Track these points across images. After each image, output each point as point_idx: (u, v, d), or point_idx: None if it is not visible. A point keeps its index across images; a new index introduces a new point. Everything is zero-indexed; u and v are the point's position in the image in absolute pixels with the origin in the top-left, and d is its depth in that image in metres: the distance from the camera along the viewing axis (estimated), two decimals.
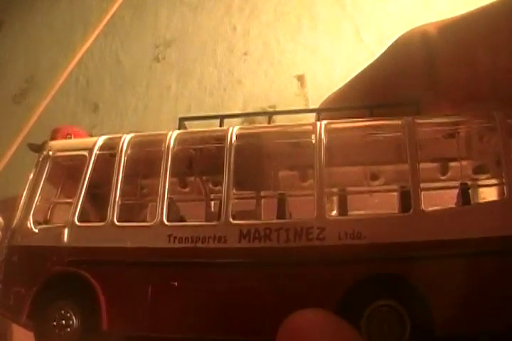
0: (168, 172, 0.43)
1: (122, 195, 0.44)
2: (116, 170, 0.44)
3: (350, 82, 0.46)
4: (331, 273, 0.38)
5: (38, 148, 0.47)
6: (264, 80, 1.05)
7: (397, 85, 0.44)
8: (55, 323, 0.42)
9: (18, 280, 0.44)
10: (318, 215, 0.39)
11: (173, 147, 0.44)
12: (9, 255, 0.44)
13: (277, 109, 0.98)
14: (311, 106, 0.97)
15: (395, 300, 0.37)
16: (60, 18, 1.40)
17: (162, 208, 0.42)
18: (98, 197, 0.47)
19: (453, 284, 0.36)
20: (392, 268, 0.37)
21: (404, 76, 0.44)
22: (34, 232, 0.45)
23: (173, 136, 0.44)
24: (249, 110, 1.02)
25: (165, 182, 0.43)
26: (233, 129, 0.43)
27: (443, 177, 0.45)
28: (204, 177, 0.48)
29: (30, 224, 0.45)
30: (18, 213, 0.46)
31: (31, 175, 0.47)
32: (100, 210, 0.46)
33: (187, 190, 0.48)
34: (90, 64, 1.30)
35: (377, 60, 0.45)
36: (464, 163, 0.43)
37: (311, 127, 0.42)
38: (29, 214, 0.45)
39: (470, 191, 0.40)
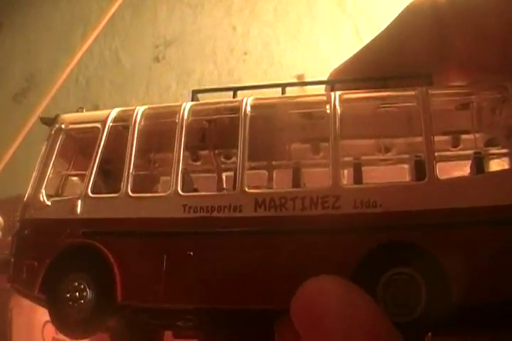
0: (182, 143, 0.43)
1: (135, 167, 0.43)
2: (130, 142, 0.44)
3: (359, 52, 0.45)
4: (346, 241, 0.38)
5: (50, 122, 0.47)
6: (264, 80, 1.05)
7: (406, 55, 0.43)
8: (68, 295, 0.42)
9: (31, 254, 0.43)
10: (334, 184, 0.39)
11: (187, 118, 0.44)
12: (21, 228, 0.44)
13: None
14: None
15: (411, 268, 0.37)
16: (60, 18, 1.40)
17: (176, 178, 0.42)
18: (110, 170, 0.47)
19: (468, 252, 0.36)
20: (407, 236, 0.37)
21: (413, 45, 0.43)
22: (47, 205, 0.44)
23: (187, 107, 0.44)
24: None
25: (179, 153, 0.43)
26: (247, 100, 0.44)
27: (454, 150, 0.45)
28: (216, 151, 0.48)
29: (42, 197, 0.44)
30: (30, 187, 0.45)
31: (43, 148, 0.46)
32: (111, 184, 0.45)
33: (199, 163, 0.48)
34: (90, 64, 1.30)
35: (385, 30, 0.44)
36: (476, 135, 0.43)
37: (325, 97, 0.42)
38: (41, 188, 0.45)
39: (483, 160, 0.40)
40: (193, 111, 0.44)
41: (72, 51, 1.27)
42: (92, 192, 0.43)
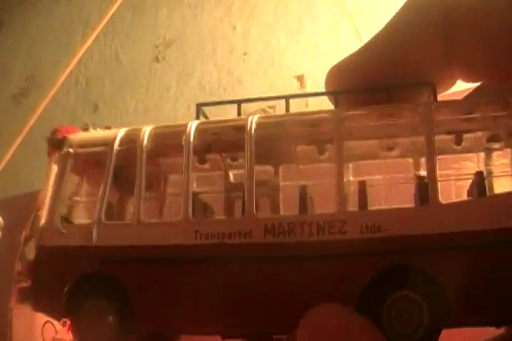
0: (190, 166, 0.43)
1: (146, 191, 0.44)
2: (138, 167, 0.43)
3: (359, 49, 0.44)
4: (353, 266, 0.38)
5: (58, 144, 0.47)
6: (264, 80, 1.05)
7: (409, 53, 0.41)
8: (90, 321, 0.42)
9: (50, 281, 0.43)
10: (340, 209, 0.39)
11: (194, 139, 0.43)
12: (39, 255, 0.44)
13: (277, 108, 0.98)
14: (310, 105, 0.97)
15: (414, 291, 0.37)
16: (60, 18, 1.40)
17: (187, 203, 0.42)
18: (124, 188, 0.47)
19: (468, 274, 0.37)
20: (409, 259, 0.38)
21: (417, 43, 0.41)
22: (61, 232, 0.44)
23: (193, 126, 0.44)
24: (249, 110, 1.02)
25: (188, 176, 0.42)
26: (253, 118, 0.43)
27: (458, 147, 0.45)
28: (223, 154, 0.48)
29: (56, 223, 0.44)
30: (45, 212, 0.45)
31: (54, 172, 0.46)
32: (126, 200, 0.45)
33: (206, 166, 0.48)
34: (90, 64, 1.30)
35: (386, 26, 0.43)
36: (479, 134, 0.43)
37: (328, 115, 0.42)
38: (55, 213, 0.45)
39: (485, 181, 0.41)
40: (199, 131, 0.44)
41: (72, 51, 1.27)
42: (106, 219, 0.43)
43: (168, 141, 0.44)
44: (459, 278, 0.37)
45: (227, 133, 0.44)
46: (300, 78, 1.02)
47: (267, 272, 0.39)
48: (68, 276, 0.43)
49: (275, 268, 0.39)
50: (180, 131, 0.43)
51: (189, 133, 0.43)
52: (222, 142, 0.44)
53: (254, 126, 0.42)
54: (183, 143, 0.43)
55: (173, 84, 1.16)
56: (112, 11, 1.24)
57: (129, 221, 0.43)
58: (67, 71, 1.21)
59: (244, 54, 1.10)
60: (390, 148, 0.45)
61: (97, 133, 0.46)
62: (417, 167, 0.45)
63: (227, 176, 0.47)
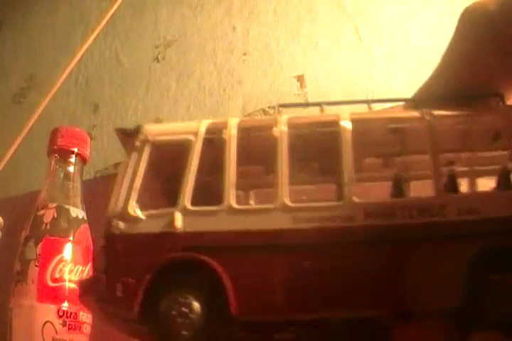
0: (284, 154, 0.43)
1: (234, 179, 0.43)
2: (228, 154, 0.43)
3: (434, 72, 0.46)
4: (452, 248, 0.40)
5: (131, 133, 0.46)
6: (264, 81, 1.05)
7: (473, 67, 0.43)
8: (174, 312, 0.41)
9: (126, 270, 0.42)
10: (438, 193, 0.41)
11: (287, 131, 0.44)
12: (110, 244, 0.43)
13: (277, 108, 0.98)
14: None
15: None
16: (60, 18, 1.40)
17: (283, 189, 0.42)
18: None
19: None
20: (505, 240, 0.39)
21: (476, 59, 0.43)
22: (140, 219, 0.43)
23: (284, 120, 0.45)
24: (249, 110, 1.02)
25: (282, 162, 0.43)
26: (345, 115, 0.45)
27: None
28: (316, 164, 0.49)
29: (134, 210, 0.43)
30: (115, 200, 0.44)
31: (130, 161, 0.45)
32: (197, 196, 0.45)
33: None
34: (90, 64, 1.30)
35: (448, 45, 0.45)
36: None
37: (418, 114, 0.44)
38: (132, 201, 0.43)
39: None
40: (290, 125, 0.45)
41: (72, 51, 1.27)
42: (188, 205, 0.43)
43: (257, 132, 0.45)
44: None
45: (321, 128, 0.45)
46: (300, 78, 1.02)
47: (368, 255, 0.40)
48: (148, 265, 0.41)
49: (377, 250, 0.40)
50: (270, 123, 0.44)
51: (281, 127, 0.44)
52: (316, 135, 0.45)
53: (349, 123, 0.43)
54: (277, 134, 0.43)
55: (173, 84, 1.16)
56: (112, 11, 1.24)
57: (218, 207, 0.42)
58: (67, 71, 1.21)
59: (244, 54, 1.10)
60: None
61: (174, 124, 0.46)
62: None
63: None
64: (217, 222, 0.42)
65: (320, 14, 1.06)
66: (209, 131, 0.45)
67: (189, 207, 0.42)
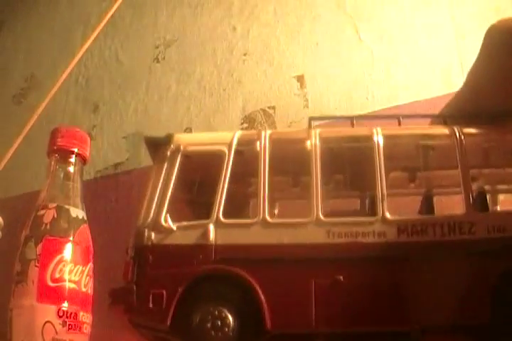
0: (318, 168, 0.44)
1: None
2: (261, 166, 0.44)
3: (461, 88, 0.47)
4: (482, 264, 0.41)
5: (162, 141, 0.45)
6: (264, 81, 1.05)
7: (499, 85, 0.43)
8: (209, 325, 0.41)
9: (157, 282, 0.42)
10: (467, 211, 0.42)
11: (320, 145, 0.45)
12: (141, 255, 0.43)
13: (277, 109, 0.98)
14: (311, 105, 0.97)
15: None
16: (60, 18, 1.40)
17: (317, 203, 0.43)
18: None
19: None
20: None
21: (502, 72, 0.43)
22: (172, 230, 0.43)
23: (317, 134, 0.45)
24: (249, 110, 1.02)
25: (316, 177, 0.44)
26: (378, 130, 0.46)
27: None
28: (346, 178, 0.49)
29: (166, 221, 0.43)
30: (146, 210, 0.44)
31: (162, 170, 0.45)
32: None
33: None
34: (90, 64, 1.30)
35: (475, 62, 0.45)
36: None
37: (448, 131, 0.45)
38: (163, 212, 0.44)
39: None
40: (322, 139, 0.45)
41: (72, 51, 1.27)
42: (224, 217, 0.43)
43: (289, 144, 0.44)
44: None
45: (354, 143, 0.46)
46: (299, 78, 1.02)
47: (401, 270, 0.41)
48: (180, 277, 0.41)
49: (409, 266, 0.41)
50: (302, 137, 0.45)
51: (315, 140, 0.44)
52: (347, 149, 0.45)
53: (382, 138, 0.44)
54: (309, 147, 0.44)
55: (173, 84, 1.16)
56: (112, 11, 1.24)
57: (252, 220, 0.42)
58: (67, 71, 1.21)
59: (244, 54, 1.10)
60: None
61: (205, 134, 0.46)
62: None
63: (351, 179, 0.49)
64: (250, 234, 0.42)
65: (320, 14, 1.06)
66: (241, 142, 0.45)
67: (222, 219, 0.42)
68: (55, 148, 0.66)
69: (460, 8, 0.94)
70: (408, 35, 0.97)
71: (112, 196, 1.05)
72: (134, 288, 0.42)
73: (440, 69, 0.90)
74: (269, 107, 1.00)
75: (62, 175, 0.65)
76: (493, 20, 0.46)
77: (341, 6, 1.04)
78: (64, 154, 0.65)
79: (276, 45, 1.07)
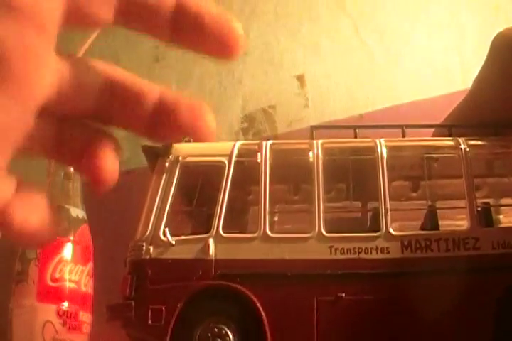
0: (320, 182, 0.43)
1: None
2: (262, 179, 0.43)
3: (465, 98, 0.46)
4: (486, 280, 0.40)
5: (160, 151, 0.44)
6: (264, 80, 1.05)
7: (505, 93, 0.43)
8: None
9: (156, 297, 0.41)
10: (472, 226, 0.41)
11: (322, 157, 0.44)
12: (140, 269, 0.41)
13: (277, 108, 0.98)
14: (311, 105, 0.97)
15: None
16: None
17: (319, 218, 0.42)
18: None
19: None
20: None
21: (508, 81, 0.42)
22: (170, 244, 0.42)
23: (319, 145, 0.44)
24: (249, 109, 1.02)
25: (319, 191, 0.42)
26: (381, 141, 0.44)
27: None
28: (351, 185, 0.48)
29: (164, 235, 0.42)
30: (144, 224, 0.43)
31: (161, 182, 0.43)
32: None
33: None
34: None
35: (481, 71, 0.44)
36: None
37: (453, 142, 0.44)
38: (161, 225, 0.42)
39: None
40: (325, 150, 0.44)
41: (72, 51, 1.27)
42: (224, 231, 0.42)
43: (291, 156, 0.44)
44: None
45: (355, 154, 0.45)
46: (300, 78, 1.02)
47: (405, 287, 0.40)
48: (180, 293, 0.40)
49: (413, 282, 0.40)
50: (304, 148, 0.44)
51: (317, 151, 0.43)
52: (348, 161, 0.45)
53: (384, 149, 0.43)
54: (311, 159, 0.43)
55: (173, 84, 1.16)
56: None
57: (253, 234, 0.42)
58: None
59: (245, 54, 1.10)
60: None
61: (205, 144, 0.43)
62: None
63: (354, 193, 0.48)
64: (251, 249, 0.41)
65: (320, 14, 1.06)
66: (241, 153, 0.44)
67: (222, 233, 0.41)
68: None
69: (460, 8, 0.94)
70: (408, 35, 0.97)
71: (112, 195, 1.04)
72: (133, 304, 0.41)
73: (440, 69, 0.90)
74: (269, 106, 1.00)
75: (62, 175, 0.65)
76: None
77: (341, 5, 1.04)
78: None
79: (277, 44, 1.07)
